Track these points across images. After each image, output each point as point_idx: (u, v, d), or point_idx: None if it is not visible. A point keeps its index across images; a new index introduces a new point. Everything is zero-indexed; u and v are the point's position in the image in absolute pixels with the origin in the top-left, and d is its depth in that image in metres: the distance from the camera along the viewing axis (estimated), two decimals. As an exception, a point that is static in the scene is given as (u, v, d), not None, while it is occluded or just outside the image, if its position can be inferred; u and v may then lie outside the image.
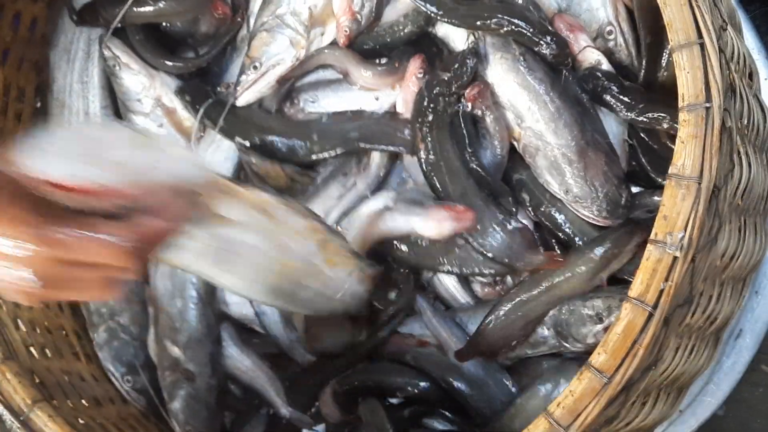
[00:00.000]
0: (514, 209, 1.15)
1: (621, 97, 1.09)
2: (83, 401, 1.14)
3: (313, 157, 1.20)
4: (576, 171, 1.10)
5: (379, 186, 1.21)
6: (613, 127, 1.14)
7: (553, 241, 1.16)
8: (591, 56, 1.13)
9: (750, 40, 1.29)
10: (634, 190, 1.14)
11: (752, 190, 1.01)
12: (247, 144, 1.21)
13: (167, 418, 1.21)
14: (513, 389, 1.14)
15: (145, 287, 1.25)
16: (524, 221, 1.15)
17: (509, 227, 1.11)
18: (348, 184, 1.19)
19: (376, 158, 1.20)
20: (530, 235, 1.12)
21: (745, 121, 0.99)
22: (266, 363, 1.25)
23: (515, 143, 1.14)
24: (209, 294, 1.24)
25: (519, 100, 1.12)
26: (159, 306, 1.22)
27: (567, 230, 1.13)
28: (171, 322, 1.21)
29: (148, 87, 1.24)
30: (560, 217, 1.14)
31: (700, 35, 0.82)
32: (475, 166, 1.13)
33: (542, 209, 1.14)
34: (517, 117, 1.13)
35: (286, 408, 1.22)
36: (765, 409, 1.39)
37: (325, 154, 1.19)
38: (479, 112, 1.13)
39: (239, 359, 1.25)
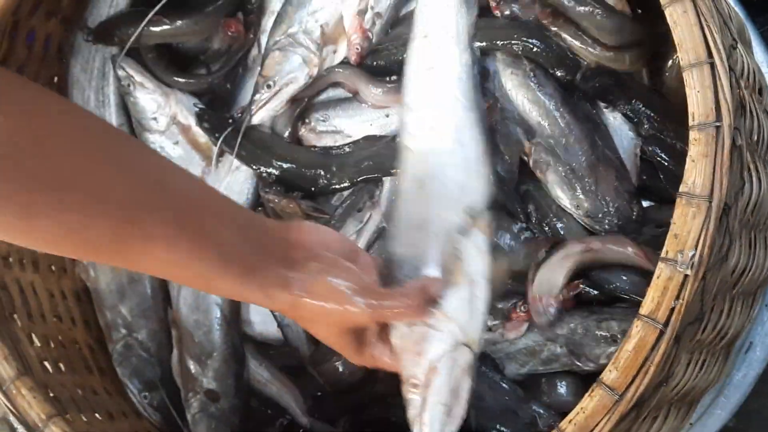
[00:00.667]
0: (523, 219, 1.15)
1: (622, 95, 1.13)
2: (97, 415, 1.14)
3: (332, 187, 1.21)
4: (587, 186, 1.10)
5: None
6: (624, 141, 1.15)
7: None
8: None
9: (759, 54, 1.29)
10: (645, 204, 1.15)
11: (762, 206, 1.01)
12: (268, 172, 1.22)
13: (189, 438, 1.22)
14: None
15: (168, 309, 1.26)
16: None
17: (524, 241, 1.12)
18: (364, 218, 1.19)
19: (387, 185, 1.20)
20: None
21: (755, 137, 0.99)
22: (285, 374, 1.26)
23: (525, 158, 1.15)
24: (234, 313, 1.24)
25: (529, 116, 1.13)
26: (183, 328, 1.23)
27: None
28: (195, 343, 1.22)
29: (163, 105, 1.25)
30: (566, 231, 1.14)
31: (710, 55, 0.83)
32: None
33: (548, 222, 1.15)
34: (527, 132, 1.14)
35: (306, 417, 1.23)
36: (775, 421, 1.39)
37: (344, 184, 1.21)
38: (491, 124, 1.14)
39: (257, 371, 1.25)
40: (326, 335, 0.89)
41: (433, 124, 1.08)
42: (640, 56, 1.13)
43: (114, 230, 0.72)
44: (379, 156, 1.20)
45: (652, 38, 1.13)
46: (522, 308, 1.13)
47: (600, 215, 1.10)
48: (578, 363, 1.12)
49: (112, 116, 1.28)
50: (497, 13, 1.16)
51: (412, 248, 1.01)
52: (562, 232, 1.14)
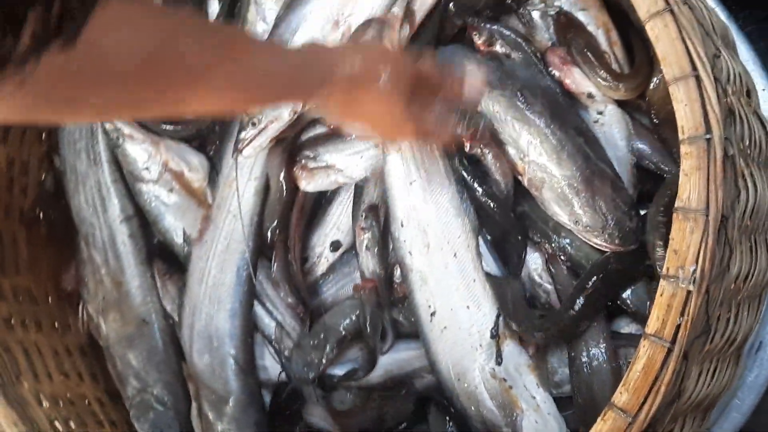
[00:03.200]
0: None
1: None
2: (110, 468, 1.15)
3: None
4: (584, 200, 1.09)
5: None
6: (617, 152, 1.14)
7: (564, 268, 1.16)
8: (586, 87, 1.13)
9: (744, 51, 1.28)
10: (643, 212, 1.14)
11: (760, 209, 1.01)
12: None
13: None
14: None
15: (183, 364, 1.26)
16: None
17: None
18: None
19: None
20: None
21: (747, 142, 0.99)
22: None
23: (519, 177, 1.14)
24: (249, 361, 1.24)
25: (520, 135, 1.13)
26: (200, 381, 1.23)
27: (575, 258, 1.14)
28: (213, 396, 1.22)
29: (154, 154, 1.25)
30: (567, 245, 1.14)
31: (694, 67, 0.83)
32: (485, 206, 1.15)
33: (547, 238, 1.15)
34: (519, 152, 1.13)
35: None
36: (792, 421, 1.38)
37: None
38: (479, 151, 1.14)
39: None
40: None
41: (428, 241, 1.14)
42: (637, 85, 1.13)
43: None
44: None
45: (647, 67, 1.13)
46: None
47: (600, 228, 1.09)
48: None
49: (105, 173, 1.28)
50: (483, 49, 1.16)
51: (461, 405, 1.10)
52: (568, 249, 1.14)
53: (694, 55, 0.83)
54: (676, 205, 0.81)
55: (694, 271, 0.79)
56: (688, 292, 0.79)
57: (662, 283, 0.80)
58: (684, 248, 0.80)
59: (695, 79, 0.82)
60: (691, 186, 0.81)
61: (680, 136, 0.82)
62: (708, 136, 0.81)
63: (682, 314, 0.80)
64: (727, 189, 0.83)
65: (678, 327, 0.80)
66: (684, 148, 0.82)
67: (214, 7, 1.31)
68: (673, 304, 0.80)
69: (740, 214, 0.93)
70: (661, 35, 0.84)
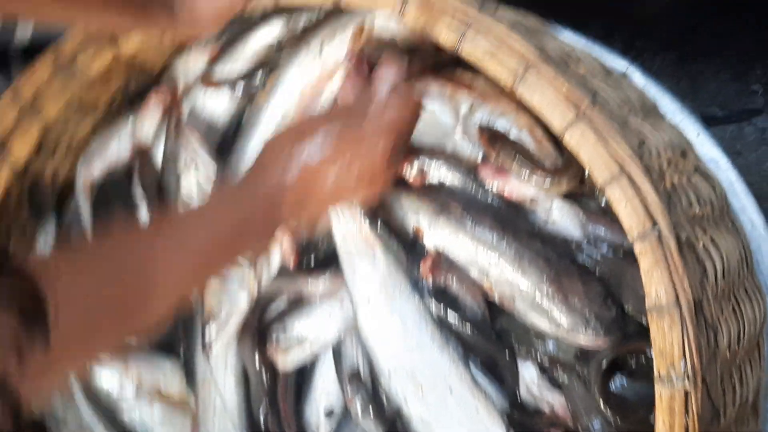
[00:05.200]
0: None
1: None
2: None
3: None
4: (558, 303, 1.08)
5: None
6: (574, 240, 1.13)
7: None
8: (527, 192, 1.13)
9: (668, 103, 1.28)
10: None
11: (730, 267, 0.99)
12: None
13: None
14: None
15: None
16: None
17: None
18: None
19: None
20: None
21: (696, 209, 0.98)
22: None
23: (489, 296, 1.13)
24: None
25: (477, 255, 1.12)
26: None
27: (564, 360, 1.11)
28: None
29: (125, 373, 1.23)
30: (553, 350, 1.11)
31: (622, 167, 0.82)
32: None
33: (533, 347, 1.12)
34: (481, 272, 1.12)
35: None
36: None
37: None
38: (441, 281, 1.13)
39: None
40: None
41: (420, 383, 1.12)
42: (575, 175, 1.11)
43: None
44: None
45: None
46: None
47: (582, 327, 1.07)
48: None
49: (83, 409, 1.25)
50: (417, 184, 1.17)
51: None
52: (557, 353, 1.11)
53: (619, 154, 0.82)
54: (647, 305, 0.80)
55: (685, 366, 0.78)
56: (686, 392, 0.78)
57: (658, 388, 0.79)
58: (668, 347, 0.79)
59: (627, 178, 0.82)
60: (655, 283, 0.80)
61: (630, 237, 0.81)
62: (657, 231, 0.80)
63: (686, 413, 0.78)
64: (692, 272, 0.82)
65: (686, 428, 0.78)
66: (637, 248, 0.81)
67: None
68: (675, 407, 0.78)
69: (712, 286, 0.92)
70: (580, 143, 0.84)
